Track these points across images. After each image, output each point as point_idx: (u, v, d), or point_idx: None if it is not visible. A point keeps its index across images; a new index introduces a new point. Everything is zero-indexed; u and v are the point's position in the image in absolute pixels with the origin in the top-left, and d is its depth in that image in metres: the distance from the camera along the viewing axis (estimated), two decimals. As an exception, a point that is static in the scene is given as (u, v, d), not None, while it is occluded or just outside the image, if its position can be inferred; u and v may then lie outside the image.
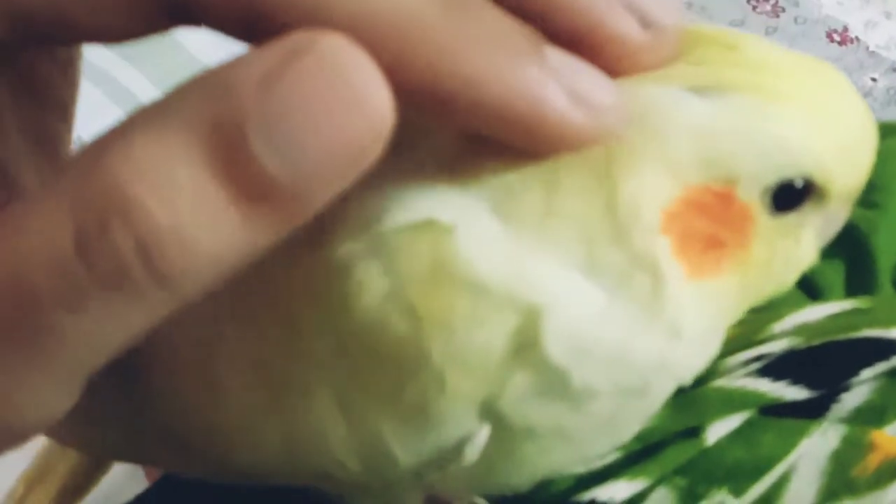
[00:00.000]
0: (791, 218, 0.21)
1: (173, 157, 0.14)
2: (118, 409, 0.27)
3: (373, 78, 0.14)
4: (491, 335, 0.21)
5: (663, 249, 0.20)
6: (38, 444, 0.37)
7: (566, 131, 0.18)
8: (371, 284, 0.21)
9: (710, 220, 0.21)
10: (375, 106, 0.14)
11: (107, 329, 0.15)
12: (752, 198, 0.21)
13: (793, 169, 0.21)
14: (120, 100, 0.71)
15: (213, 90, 0.14)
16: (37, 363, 0.16)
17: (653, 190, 0.20)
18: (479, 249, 0.20)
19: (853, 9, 0.78)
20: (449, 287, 0.20)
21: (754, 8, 0.78)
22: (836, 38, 0.76)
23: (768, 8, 0.78)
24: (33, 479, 0.36)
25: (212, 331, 0.23)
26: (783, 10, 0.78)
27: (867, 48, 0.76)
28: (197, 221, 0.14)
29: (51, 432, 0.33)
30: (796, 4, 0.79)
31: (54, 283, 0.15)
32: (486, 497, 0.30)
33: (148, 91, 0.71)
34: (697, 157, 0.20)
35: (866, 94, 0.72)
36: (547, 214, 0.20)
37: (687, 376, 0.23)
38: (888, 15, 0.78)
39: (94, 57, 0.72)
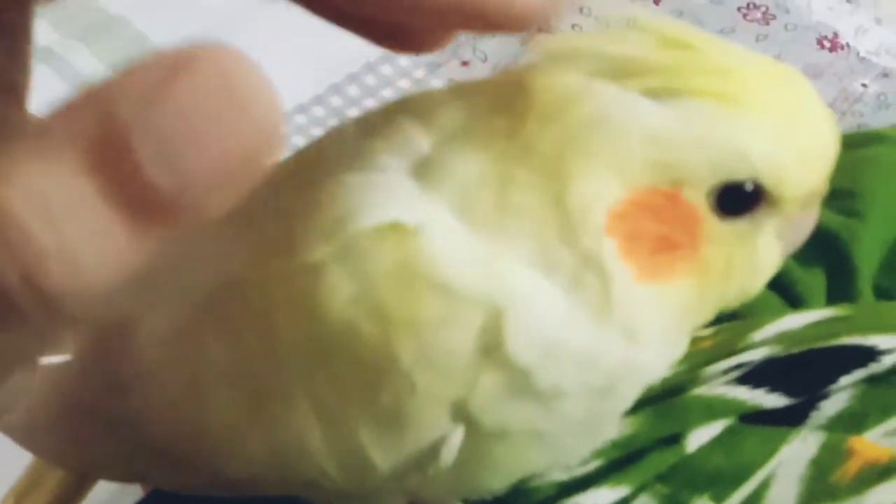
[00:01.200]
0: (743, 222, 0.22)
1: (56, 176, 0.13)
2: (108, 427, 0.27)
3: (259, 85, 0.14)
4: (458, 335, 0.21)
5: (609, 250, 0.21)
6: (27, 459, 0.37)
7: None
8: (341, 288, 0.21)
9: (659, 222, 0.21)
10: (262, 112, 0.14)
11: None
12: (699, 199, 0.21)
13: (738, 172, 0.21)
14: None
15: (96, 106, 0.14)
16: None
17: (600, 190, 0.21)
18: (443, 250, 0.21)
19: (843, 15, 0.79)
20: (415, 288, 0.21)
21: (745, 16, 0.78)
22: (827, 44, 0.77)
23: (759, 15, 0.78)
24: (22, 493, 0.36)
25: (196, 345, 0.24)
26: (773, 17, 0.78)
27: (858, 54, 0.76)
28: (83, 241, 0.14)
29: (40, 453, 0.33)
30: (787, 11, 0.79)
31: None
32: (468, 502, 0.31)
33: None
34: (646, 160, 0.20)
35: (857, 100, 0.72)
36: (501, 211, 0.21)
37: (654, 376, 0.24)
38: (879, 21, 0.79)
39: (80, 64, 0.72)
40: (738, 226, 0.22)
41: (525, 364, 0.21)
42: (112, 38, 0.74)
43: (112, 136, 0.13)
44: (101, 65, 0.72)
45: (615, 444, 0.32)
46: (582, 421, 0.24)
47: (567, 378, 0.22)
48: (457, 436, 0.23)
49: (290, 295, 0.22)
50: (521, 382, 0.22)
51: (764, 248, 0.23)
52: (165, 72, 0.14)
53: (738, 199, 0.21)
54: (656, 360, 0.23)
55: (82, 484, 0.37)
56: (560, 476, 0.32)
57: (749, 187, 0.21)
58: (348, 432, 0.23)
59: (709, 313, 0.23)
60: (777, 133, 0.21)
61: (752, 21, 0.77)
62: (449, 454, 0.23)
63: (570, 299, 0.21)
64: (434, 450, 0.23)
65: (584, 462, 0.32)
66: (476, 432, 0.23)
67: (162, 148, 0.13)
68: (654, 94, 0.21)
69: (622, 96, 0.21)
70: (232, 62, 0.14)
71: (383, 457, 0.23)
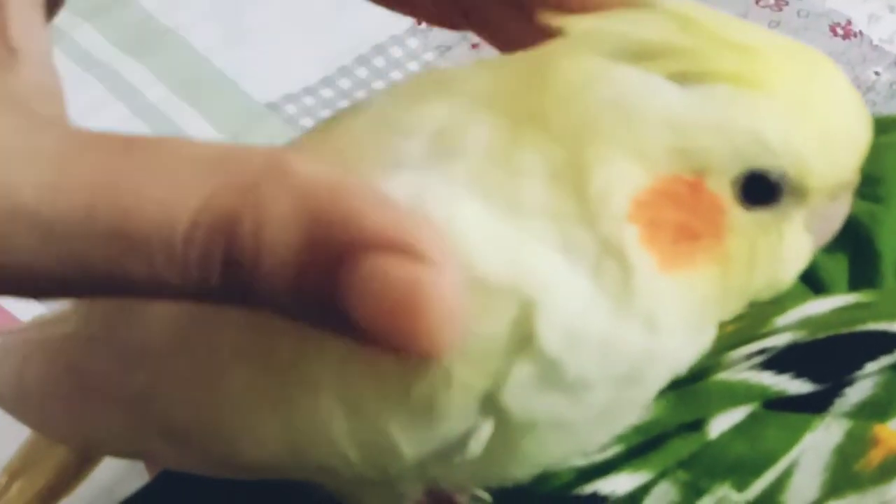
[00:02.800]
0: (769, 213, 0.21)
1: (277, 220, 0.17)
2: (114, 403, 0.27)
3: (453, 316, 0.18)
4: (494, 326, 0.21)
5: (631, 238, 0.20)
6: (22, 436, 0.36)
7: None
8: None
9: (681, 211, 0.20)
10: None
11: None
12: (723, 189, 0.20)
13: (763, 160, 0.20)
14: (123, 95, 0.71)
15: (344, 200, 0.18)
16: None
17: (623, 177, 0.20)
18: (475, 240, 0.20)
19: (856, 2, 0.78)
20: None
21: (757, 2, 0.78)
22: (840, 31, 0.76)
23: (771, 2, 0.78)
24: (16, 471, 0.36)
25: (214, 321, 0.23)
26: (786, 3, 0.78)
27: (871, 42, 0.76)
28: (268, 263, 0.17)
29: (40, 427, 0.33)
30: (799, -2, 0.78)
31: (155, 248, 0.17)
32: (489, 491, 0.30)
33: (151, 86, 0.71)
34: (669, 147, 0.20)
35: (869, 89, 0.71)
36: (520, 192, 0.20)
37: (679, 366, 0.23)
38: (892, 9, 0.78)
39: (97, 51, 0.72)
40: (763, 216, 0.21)
41: (554, 355, 0.21)
42: (120, 17, 0.73)
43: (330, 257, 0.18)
44: (108, 43, 0.72)
45: (636, 429, 0.31)
46: (606, 410, 0.23)
47: (591, 368, 0.21)
48: (486, 428, 0.22)
49: None
50: (550, 374, 0.21)
51: (792, 240, 0.22)
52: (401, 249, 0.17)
53: (762, 189, 0.21)
54: (680, 350, 0.23)
55: (81, 467, 0.36)
56: (579, 462, 0.31)
57: (774, 177, 0.20)
58: (376, 421, 0.22)
59: (734, 305, 0.23)
60: (801, 120, 0.20)
61: (764, 7, 0.77)
62: (477, 446, 0.22)
63: (592, 287, 0.21)
64: (462, 441, 0.23)
65: (604, 448, 0.31)
66: (504, 424, 0.22)
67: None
68: (677, 77, 0.20)
69: (645, 79, 0.20)
70: (444, 285, 0.18)
71: (410, 446, 0.23)
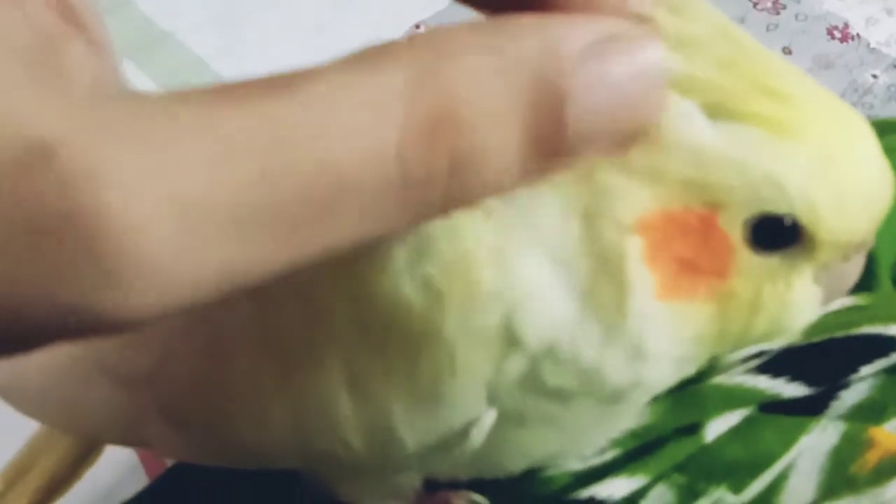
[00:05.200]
0: (777, 259, 0.21)
1: (499, 91, 0.14)
2: (114, 385, 0.27)
3: (658, 82, 0.16)
4: (491, 320, 0.21)
5: (633, 251, 0.20)
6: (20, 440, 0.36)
7: None
8: (395, 256, 0.21)
9: (688, 241, 0.20)
10: (650, 106, 0.16)
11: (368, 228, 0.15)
12: (734, 228, 0.20)
13: (778, 205, 0.20)
14: None
15: (543, 44, 0.15)
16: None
17: (633, 193, 0.20)
18: (474, 244, 0.21)
19: (854, 5, 0.78)
20: (469, 266, 0.21)
21: (755, 5, 0.78)
22: (837, 34, 0.76)
23: (769, 5, 0.78)
24: (13, 478, 0.36)
25: (223, 307, 0.23)
26: (784, 6, 0.78)
27: (868, 45, 0.76)
28: (496, 153, 0.15)
29: (38, 413, 0.32)
30: (797, 1, 0.79)
31: (364, 182, 0.14)
32: (486, 495, 0.31)
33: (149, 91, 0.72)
34: (687, 178, 0.20)
35: (867, 91, 0.71)
36: (521, 197, 0.20)
37: (662, 386, 0.24)
38: (889, 11, 0.78)
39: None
40: (771, 262, 0.21)
41: (536, 361, 0.21)
42: (118, 21, 0.73)
43: (551, 78, 0.15)
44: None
45: (633, 434, 0.31)
46: (595, 418, 0.24)
47: (572, 384, 0.22)
48: (489, 417, 0.22)
49: (338, 260, 0.22)
50: (533, 377, 0.22)
51: (799, 290, 0.22)
52: (604, 37, 0.15)
53: (773, 234, 0.20)
54: (663, 377, 0.23)
55: (75, 467, 0.36)
56: (576, 466, 0.31)
57: (786, 223, 0.20)
58: (381, 406, 0.22)
59: (729, 346, 0.22)
60: (823, 173, 0.20)
61: (762, 10, 0.77)
62: (479, 435, 0.23)
63: (584, 309, 0.21)
64: (464, 431, 0.23)
65: (601, 451, 0.32)
66: (499, 415, 0.23)
67: (584, 102, 0.15)
68: (711, 110, 0.20)
69: (679, 104, 0.20)
70: (651, 52, 0.16)
71: (413, 434, 0.23)
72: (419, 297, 0.21)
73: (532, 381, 0.22)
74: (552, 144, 0.15)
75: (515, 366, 0.21)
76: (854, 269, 0.23)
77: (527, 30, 0.15)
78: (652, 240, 0.20)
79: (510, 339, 0.21)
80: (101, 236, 0.12)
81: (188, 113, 0.13)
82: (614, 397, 0.23)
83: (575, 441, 0.26)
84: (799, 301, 0.21)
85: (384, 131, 0.14)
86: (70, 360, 0.28)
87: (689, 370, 0.23)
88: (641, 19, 0.17)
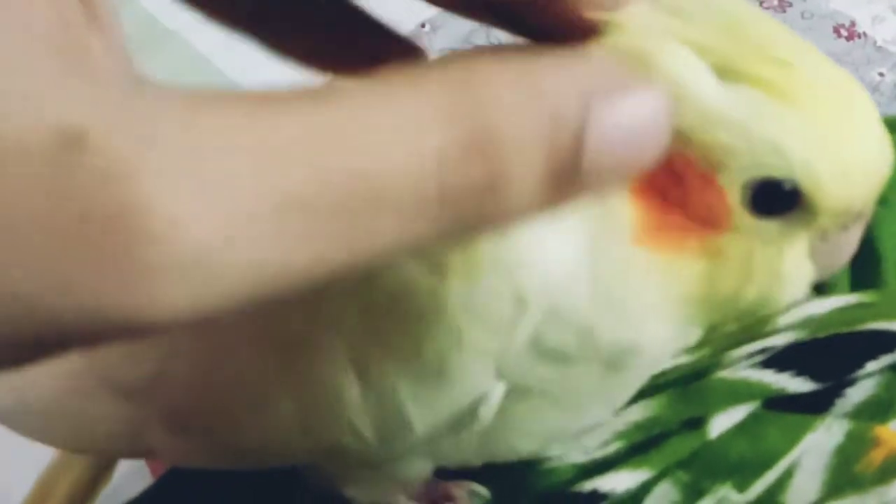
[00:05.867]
0: (774, 224, 0.21)
1: (526, 124, 0.15)
2: (116, 396, 0.27)
3: (663, 127, 0.16)
4: (498, 289, 0.21)
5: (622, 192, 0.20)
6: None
7: None
8: None
9: (682, 190, 0.20)
10: (655, 149, 0.16)
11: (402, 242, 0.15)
12: (734, 188, 0.20)
13: (779, 170, 0.20)
14: None
15: (563, 86, 0.16)
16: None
17: None
18: None
19: (861, 3, 0.78)
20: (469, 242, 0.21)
21: (761, 3, 0.78)
22: (844, 32, 0.76)
23: (775, 3, 0.78)
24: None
25: None
26: (790, 4, 0.78)
27: (874, 43, 0.76)
28: (520, 179, 0.15)
29: (48, 436, 0.32)
30: (803, -1, 0.78)
31: (404, 194, 0.14)
32: (491, 488, 0.31)
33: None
34: (692, 133, 0.20)
35: (873, 90, 0.71)
36: None
37: (661, 357, 0.24)
38: (896, 10, 0.78)
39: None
40: (768, 226, 0.21)
41: (539, 323, 0.21)
42: (121, 18, 0.73)
43: (569, 117, 0.15)
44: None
45: (637, 427, 0.31)
46: (597, 388, 0.24)
47: (570, 344, 0.22)
48: (497, 391, 0.23)
49: None
50: (536, 340, 0.22)
51: (792, 261, 0.22)
52: (623, 85, 0.16)
53: (773, 198, 0.21)
54: (659, 342, 0.23)
55: (94, 482, 0.36)
56: (579, 458, 0.31)
57: (786, 187, 0.20)
58: (388, 388, 0.22)
59: (721, 312, 0.22)
60: (823, 140, 0.20)
61: (768, 9, 0.77)
62: (488, 412, 0.23)
63: (575, 258, 0.21)
64: (472, 409, 0.23)
65: (605, 444, 0.31)
66: (505, 390, 0.23)
67: (598, 142, 0.16)
68: (719, 71, 0.20)
69: (693, 63, 0.20)
70: (661, 106, 0.16)
71: (421, 415, 0.23)
72: (422, 272, 0.21)
73: (536, 346, 0.22)
74: (569, 178, 0.16)
75: (522, 331, 0.21)
76: (850, 242, 0.23)
77: (550, 68, 0.16)
78: (643, 179, 0.20)
79: (517, 303, 0.21)
80: (146, 229, 0.12)
81: (232, 113, 0.13)
82: (613, 361, 0.22)
83: (578, 414, 0.26)
84: (789, 272, 0.22)
85: (424, 147, 0.14)
86: (71, 375, 0.28)
87: (687, 339, 0.23)
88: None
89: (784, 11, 0.76)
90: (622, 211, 0.20)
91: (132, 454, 0.34)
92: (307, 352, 0.23)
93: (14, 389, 0.30)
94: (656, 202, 0.20)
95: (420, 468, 0.28)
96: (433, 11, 0.86)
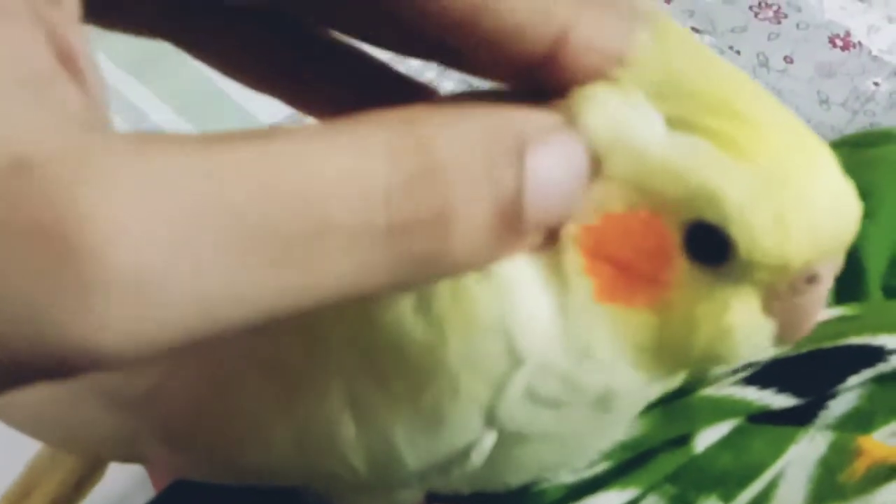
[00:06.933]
0: (713, 275, 0.20)
1: (469, 153, 0.16)
2: (111, 406, 0.27)
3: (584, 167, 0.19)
4: (493, 344, 0.21)
5: (574, 260, 0.20)
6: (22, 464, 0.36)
7: None
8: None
9: (627, 245, 0.20)
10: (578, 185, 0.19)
11: (356, 279, 0.15)
12: (674, 233, 0.20)
13: (714, 216, 0.19)
14: (127, 117, 0.71)
15: (501, 133, 0.17)
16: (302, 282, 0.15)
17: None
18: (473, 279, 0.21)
19: (856, 13, 0.78)
20: (468, 293, 0.21)
21: (756, 14, 0.78)
22: (839, 42, 0.76)
23: (770, 14, 0.78)
24: (15, 499, 0.36)
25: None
26: (785, 15, 0.78)
27: (870, 52, 0.76)
28: (465, 213, 0.16)
29: (42, 435, 0.32)
30: (798, 10, 0.79)
31: (352, 226, 0.15)
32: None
33: (158, 109, 0.72)
34: (635, 182, 0.20)
35: (869, 99, 0.72)
36: None
37: (642, 398, 0.24)
38: (891, 19, 0.78)
39: (105, 74, 0.72)
40: (708, 277, 0.20)
41: (530, 374, 0.22)
42: (123, 38, 0.74)
43: (509, 175, 0.17)
44: (112, 65, 0.73)
45: (624, 446, 0.32)
46: (594, 426, 0.24)
47: (559, 392, 0.22)
48: (489, 439, 0.23)
49: None
50: (529, 390, 0.22)
51: (741, 315, 0.21)
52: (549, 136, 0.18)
53: (707, 245, 0.20)
54: (633, 387, 0.22)
55: (85, 480, 0.36)
56: (568, 478, 0.32)
57: (719, 234, 0.20)
58: (383, 430, 0.23)
59: (671, 365, 0.22)
60: (764, 191, 0.19)
61: (763, 20, 0.77)
62: (479, 457, 0.23)
63: (555, 313, 0.21)
64: (465, 451, 0.23)
65: (593, 464, 0.32)
66: (500, 435, 0.23)
67: (535, 189, 0.18)
68: (673, 122, 0.20)
69: (646, 111, 0.20)
70: (576, 149, 0.19)
71: (415, 456, 0.23)
72: (421, 327, 0.21)
73: (531, 396, 0.22)
74: (514, 214, 0.17)
75: (518, 384, 0.22)
76: (810, 306, 0.21)
77: (486, 113, 0.17)
78: (592, 241, 0.20)
79: (512, 359, 0.21)
80: (82, 243, 0.12)
81: (180, 147, 0.14)
82: (600, 405, 0.23)
83: (574, 451, 0.26)
84: (739, 326, 0.21)
85: (371, 180, 0.15)
86: (63, 384, 0.28)
87: (665, 382, 0.23)
88: (621, 62, 0.19)
89: (779, 22, 0.77)
90: (579, 279, 0.21)
91: (126, 460, 0.34)
92: (306, 387, 0.23)
93: None
94: (606, 268, 0.20)
95: (412, 495, 0.28)
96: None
